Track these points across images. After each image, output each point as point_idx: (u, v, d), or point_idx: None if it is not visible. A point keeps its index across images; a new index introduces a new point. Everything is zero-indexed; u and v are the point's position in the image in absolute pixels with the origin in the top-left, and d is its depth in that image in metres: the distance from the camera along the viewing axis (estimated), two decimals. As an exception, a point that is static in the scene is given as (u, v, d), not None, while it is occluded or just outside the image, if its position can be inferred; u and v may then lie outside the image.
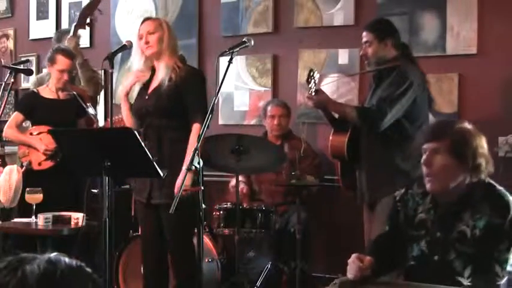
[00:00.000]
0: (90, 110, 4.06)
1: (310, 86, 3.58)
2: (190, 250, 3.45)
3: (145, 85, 3.50)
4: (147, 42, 3.41)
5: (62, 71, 4.19)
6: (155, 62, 3.49)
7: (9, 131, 4.26)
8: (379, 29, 3.63)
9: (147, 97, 3.44)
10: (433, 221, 2.30)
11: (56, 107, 4.21)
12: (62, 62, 4.20)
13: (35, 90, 4.32)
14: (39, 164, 4.14)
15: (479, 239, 2.18)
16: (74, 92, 4.22)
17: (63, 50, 4.30)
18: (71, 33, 4.64)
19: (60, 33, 4.94)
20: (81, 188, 4.15)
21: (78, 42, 4.62)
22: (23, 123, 4.36)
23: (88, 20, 4.73)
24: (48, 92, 4.26)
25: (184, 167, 3.16)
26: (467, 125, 2.31)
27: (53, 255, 1.10)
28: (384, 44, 3.58)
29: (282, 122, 4.51)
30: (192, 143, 3.28)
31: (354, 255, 2.29)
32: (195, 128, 3.32)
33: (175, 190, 3.17)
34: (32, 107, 4.23)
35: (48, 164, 4.13)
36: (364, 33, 3.64)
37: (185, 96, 3.36)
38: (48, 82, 4.33)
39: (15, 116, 4.27)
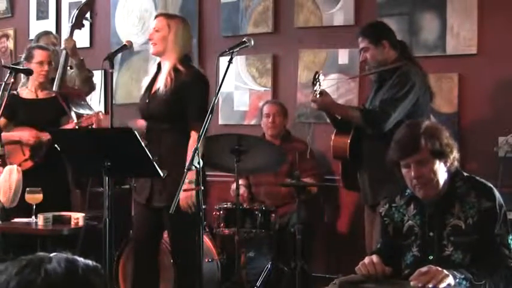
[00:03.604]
0: (82, 110, 4.07)
1: (315, 88, 3.59)
2: (193, 252, 3.44)
3: (151, 82, 3.46)
4: (150, 39, 3.39)
5: (41, 62, 4.18)
6: (161, 60, 3.44)
7: None
8: (373, 32, 3.63)
9: (147, 100, 3.41)
10: (422, 223, 2.33)
11: (35, 106, 4.20)
12: (39, 54, 4.20)
13: (14, 92, 4.27)
14: (20, 165, 4.12)
15: (474, 226, 2.24)
16: (55, 91, 4.20)
17: (38, 45, 4.33)
18: (68, 34, 4.64)
19: (39, 35, 4.93)
20: (64, 187, 4.18)
21: (75, 43, 4.61)
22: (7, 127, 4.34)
23: (84, 21, 4.72)
24: (27, 92, 4.25)
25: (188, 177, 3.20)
26: (427, 124, 2.36)
27: (68, 254, 1.13)
28: (382, 46, 3.58)
29: (276, 121, 4.51)
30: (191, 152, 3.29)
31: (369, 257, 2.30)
32: (194, 136, 3.28)
33: (183, 196, 3.19)
34: (13, 109, 4.18)
35: (28, 165, 4.11)
36: (360, 39, 3.64)
37: (186, 102, 3.31)
38: (27, 83, 4.31)
39: None
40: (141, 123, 3.46)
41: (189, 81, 3.33)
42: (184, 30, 3.44)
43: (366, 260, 2.25)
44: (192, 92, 3.32)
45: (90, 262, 1.13)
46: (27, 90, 4.26)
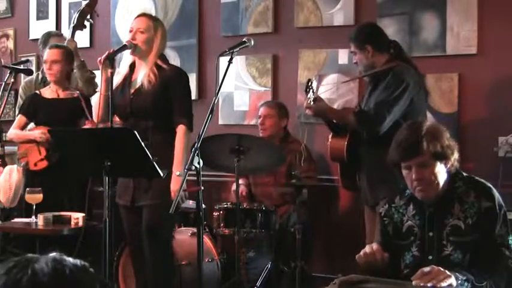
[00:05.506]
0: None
1: (308, 95, 3.62)
2: (169, 253, 3.44)
3: (126, 80, 3.46)
4: (133, 39, 3.38)
5: (45, 62, 4.19)
6: (136, 59, 3.46)
7: (12, 132, 4.26)
8: (357, 37, 3.68)
9: (131, 97, 3.40)
10: (422, 224, 2.34)
11: (56, 106, 4.20)
12: (46, 53, 4.21)
13: (37, 91, 4.31)
14: (35, 164, 4.13)
15: (474, 226, 2.24)
16: (78, 92, 4.22)
17: (50, 45, 4.33)
18: (70, 35, 4.63)
19: (47, 35, 4.93)
20: (77, 188, 4.17)
21: (76, 45, 4.61)
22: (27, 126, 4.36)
23: (86, 22, 4.72)
24: (49, 92, 4.26)
25: (175, 171, 3.22)
26: (429, 125, 2.35)
27: (56, 254, 1.12)
28: (366, 51, 3.60)
29: (266, 123, 4.51)
30: (179, 146, 3.29)
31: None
32: (181, 129, 3.33)
33: (173, 193, 3.19)
34: (34, 108, 4.23)
35: (43, 165, 4.12)
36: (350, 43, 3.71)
37: (172, 96, 3.36)
38: (50, 84, 4.33)
39: (19, 119, 4.27)
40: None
41: (174, 75, 3.40)
42: (165, 33, 3.51)
43: (367, 248, 2.28)
44: (178, 86, 3.40)
45: (78, 261, 1.12)
46: (49, 90, 4.27)
